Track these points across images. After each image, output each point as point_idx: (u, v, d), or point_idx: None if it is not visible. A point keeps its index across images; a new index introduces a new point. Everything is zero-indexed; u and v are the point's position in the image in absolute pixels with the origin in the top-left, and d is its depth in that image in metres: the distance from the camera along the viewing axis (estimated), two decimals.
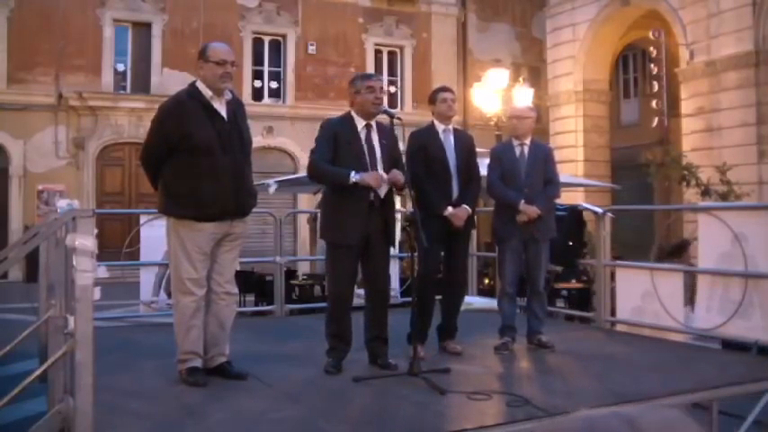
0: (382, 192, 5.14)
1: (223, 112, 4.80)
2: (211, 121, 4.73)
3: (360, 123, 5.24)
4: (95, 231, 3.15)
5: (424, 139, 5.81)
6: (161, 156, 4.78)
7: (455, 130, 6.00)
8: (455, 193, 5.75)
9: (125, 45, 21.88)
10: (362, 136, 5.22)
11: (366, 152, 5.18)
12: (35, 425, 4.02)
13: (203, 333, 4.81)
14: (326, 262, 5.41)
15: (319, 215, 5.48)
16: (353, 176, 4.99)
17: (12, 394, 3.52)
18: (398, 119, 5.19)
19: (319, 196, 13.35)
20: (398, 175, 5.11)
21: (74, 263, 3.08)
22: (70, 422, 3.72)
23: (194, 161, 4.67)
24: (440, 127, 5.89)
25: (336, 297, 5.28)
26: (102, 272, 3.21)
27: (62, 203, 4.92)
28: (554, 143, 20.74)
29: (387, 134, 5.32)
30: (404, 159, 5.41)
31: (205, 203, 4.68)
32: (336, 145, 5.14)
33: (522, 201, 5.93)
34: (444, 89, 6.06)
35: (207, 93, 4.76)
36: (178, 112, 4.72)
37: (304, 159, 22.44)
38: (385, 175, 5.11)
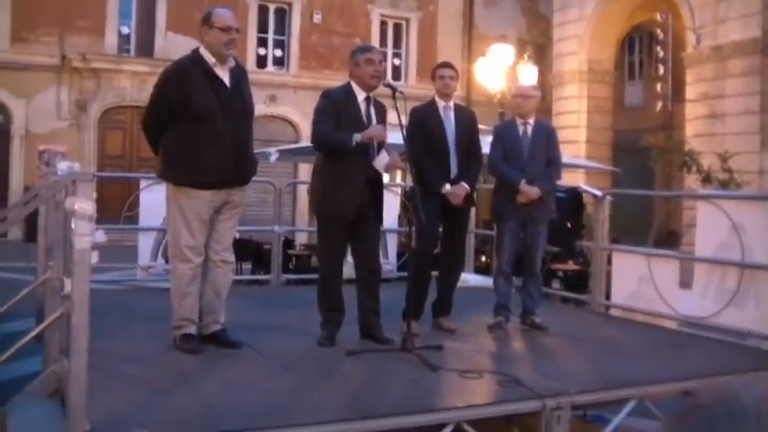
0: (382, 169, 5.17)
1: (226, 79, 4.78)
2: (213, 87, 4.70)
3: (360, 95, 5.24)
4: (95, 196, 3.15)
5: (424, 115, 5.80)
6: (162, 121, 4.75)
7: (456, 107, 5.97)
8: (454, 170, 5.74)
9: (130, 7, 21.71)
10: (363, 108, 5.22)
11: (366, 125, 5.18)
12: (30, 384, 4.07)
13: (199, 300, 4.83)
14: (318, 235, 5.42)
15: (310, 187, 5.48)
16: (356, 138, 5.00)
17: (8, 353, 3.55)
18: (401, 92, 5.15)
19: None
20: (398, 162, 5.26)
21: (72, 226, 3.09)
22: (64, 383, 3.75)
23: (195, 127, 4.65)
24: (440, 103, 5.86)
25: (327, 270, 5.31)
26: (101, 236, 3.22)
27: (63, 166, 4.94)
28: (556, 123, 20.67)
29: (379, 109, 5.32)
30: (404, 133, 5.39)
31: (205, 170, 4.66)
32: (338, 117, 5.13)
33: (523, 181, 5.92)
34: (444, 65, 6.03)
35: (210, 59, 4.73)
36: (180, 78, 4.69)
37: (306, 128, 22.42)
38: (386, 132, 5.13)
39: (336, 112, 5.14)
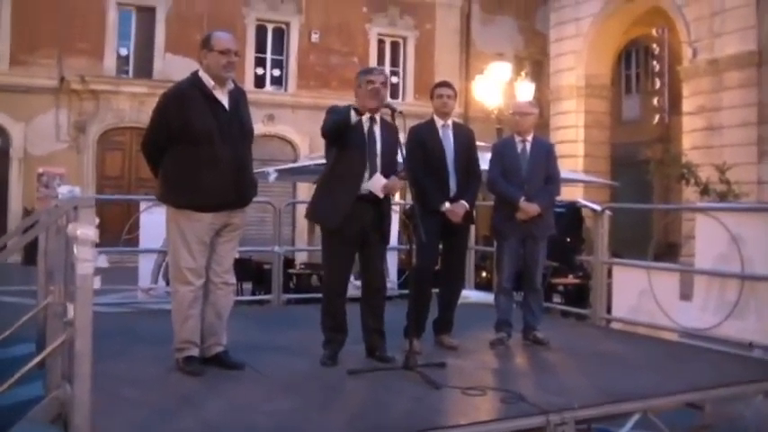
0: (381, 194, 5.19)
1: (225, 102, 4.80)
2: (212, 110, 4.73)
3: (364, 115, 5.26)
4: (97, 221, 3.17)
5: (423, 134, 5.83)
6: (162, 144, 4.78)
7: (455, 125, 6.02)
8: (453, 188, 5.77)
9: (128, 29, 21.85)
10: (365, 127, 5.24)
11: (366, 142, 5.21)
12: (33, 410, 4.06)
13: (201, 322, 4.83)
14: (322, 254, 5.44)
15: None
16: (353, 106, 5.10)
17: (10, 381, 3.55)
18: (400, 112, 5.20)
19: None
20: (396, 185, 5.24)
21: (74, 251, 3.10)
22: (67, 408, 3.75)
23: (194, 150, 4.66)
24: (439, 122, 5.91)
25: (332, 289, 5.32)
26: (103, 261, 3.23)
27: (63, 190, 4.94)
28: (554, 138, 20.73)
29: (390, 130, 5.34)
30: (403, 152, 5.41)
31: (204, 193, 4.68)
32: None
33: (522, 198, 5.94)
34: (442, 84, 6.08)
35: (209, 82, 4.76)
36: (179, 101, 4.72)
37: (304, 147, 22.56)
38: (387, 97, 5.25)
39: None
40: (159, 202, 5.00)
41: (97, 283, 3.17)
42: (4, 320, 4.91)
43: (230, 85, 4.87)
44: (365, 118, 5.23)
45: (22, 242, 4.54)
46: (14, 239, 4.48)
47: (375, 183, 5.15)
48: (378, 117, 5.31)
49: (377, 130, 5.27)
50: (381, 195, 5.20)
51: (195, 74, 4.84)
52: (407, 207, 5.47)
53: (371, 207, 5.20)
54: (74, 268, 3.22)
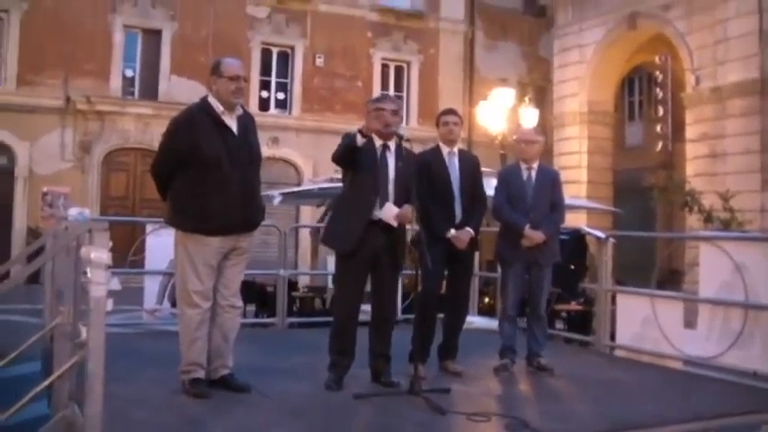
0: (394, 223, 5.22)
1: (234, 127, 4.86)
2: (221, 135, 4.79)
3: (377, 141, 5.31)
4: (110, 245, 3.21)
5: (429, 162, 5.88)
6: (171, 168, 4.83)
7: (461, 153, 6.07)
8: (458, 215, 5.82)
9: (134, 51, 21.95)
10: (378, 153, 5.29)
11: (378, 168, 5.25)
12: (39, 430, 4.07)
13: (207, 344, 4.85)
14: (335, 277, 5.48)
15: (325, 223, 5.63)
16: (357, 130, 5.13)
17: (18, 405, 3.57)
18: (407, 140, 5.27)
19: (322, 209, 13.40)
20: (408, 213, 5.23)
21: (87, 274, 3.14)
22: (75, 429, 3.76)
23: (203, 175, 4.72)
24: (444, 149, 5.96)
25: (343, 312, 5.33)
26: (116, 284, 3.27)
27: (73, 211, 4.98)
28: (558, 164, 20.80)
29: (404, 158, 5.37)
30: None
31: (212, 217, 4.72)
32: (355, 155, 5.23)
33: (528, 225, 5.97)
34: (448, 112, 6.14)
35: (218, 108, 4.82)
36: (188, 126, 4.78)
37: (308, 170, 22.64)
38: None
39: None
40: (167, 225, 5.04)
41: (109, 305, 3.21)
42: (9, 339, 4.92)
43: (239, 111, 4.93)
44: (378, 145, 5.28)
45: (28, 270, 4.56)
46: (19, 267, 4.51)
47: (387, 212, 5.19)
48: (392, 145, 5.34)
49: (390, 157, 5.32)
50: (395, 224, 5.23)
51: (204, 99, 4.91)
52: (414, 234, 5.49)
53: (384, 233, 5.23)
54: (86, 290, 3.26)
